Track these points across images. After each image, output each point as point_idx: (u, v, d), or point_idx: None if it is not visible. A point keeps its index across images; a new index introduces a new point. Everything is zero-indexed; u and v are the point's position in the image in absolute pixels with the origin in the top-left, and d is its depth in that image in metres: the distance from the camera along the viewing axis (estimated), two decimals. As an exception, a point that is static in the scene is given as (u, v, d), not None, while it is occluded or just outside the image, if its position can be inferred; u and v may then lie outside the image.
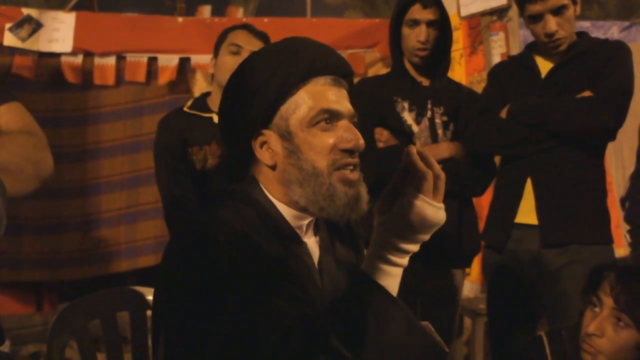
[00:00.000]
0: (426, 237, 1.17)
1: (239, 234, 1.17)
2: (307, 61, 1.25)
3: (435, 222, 1.15)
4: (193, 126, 2.54)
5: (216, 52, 2.62)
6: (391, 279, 1.17)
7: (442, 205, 1.15)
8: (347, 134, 1.25)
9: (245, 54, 2.52)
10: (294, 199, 1.25)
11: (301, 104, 1.24)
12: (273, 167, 1.27)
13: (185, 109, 2.61)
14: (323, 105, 1.24)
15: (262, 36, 2.62)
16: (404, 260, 1.18)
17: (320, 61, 1.26)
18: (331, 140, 1.24)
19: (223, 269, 1.12)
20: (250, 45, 2.56)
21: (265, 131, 1.26)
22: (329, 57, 1.29)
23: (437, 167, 1.16)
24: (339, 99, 1.27)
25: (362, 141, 1.26)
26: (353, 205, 1.24)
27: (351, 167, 1.26)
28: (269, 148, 1.26)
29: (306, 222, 1.30)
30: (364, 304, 1.13)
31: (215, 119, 2.54)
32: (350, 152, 1.25)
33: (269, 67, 1.25)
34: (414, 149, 1.16)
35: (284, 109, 1.25)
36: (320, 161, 1.23)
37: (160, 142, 2.58)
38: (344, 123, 1.26)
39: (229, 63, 2.52)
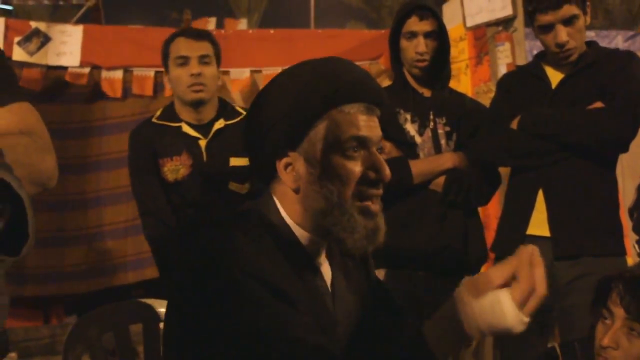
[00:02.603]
0: (497, 334, 1.16)
1: (253, 259, 1.14)
2: (343, 87, 1.22)
3: (512, 330, 1.11)
4: (162, 137, 2.53)
5: (165, 67, 2.60)
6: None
7: (526, 320, 1.11)
8: (374, 164, 1.23)
9: (194, 62, 2.51)
10: (313, 225, 1.24)
11: (331, 129, 1.21)
12: (296, 191, 1.24)
13: (153, 119, 2.60)
14: (353, 133, 1.21)
15: (203, 36, 2.59)
16: (465, 341, 1.17)
17: (357, 89, 1.23)
18: (357, 169, 1.21)
19: (235, 294, 1.11)
20: (195, 51, 2.53)
21: (291, 153, 1.23)
22: (366, 85, 1.25)
23: (541, 283, 1.11)
24: (369, 126, 1.24)
25: (388, 172, 1.23)
26: (371, 237, 1.22)
27: (374, 199, 1.24)
28: (293, 171, 1.23)
29: (320, 246, 1.29)
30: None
31: (184, 127, 2.54)
32: (375, 183, 1.23)
33: (305, 88, 1.22)
34: (532, 249, 1.13)
35: (314, 133, 1.22)
36: (346, 191, 1.21)
37: (132, 156, 2.58)
38: (371, 152, 1.24)
39: (182, 76, 2.51)
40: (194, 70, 2.50)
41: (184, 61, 2.52)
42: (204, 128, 2.59)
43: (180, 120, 2.56)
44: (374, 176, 1.23)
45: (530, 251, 1.13)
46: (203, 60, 2.53)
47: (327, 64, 1.26)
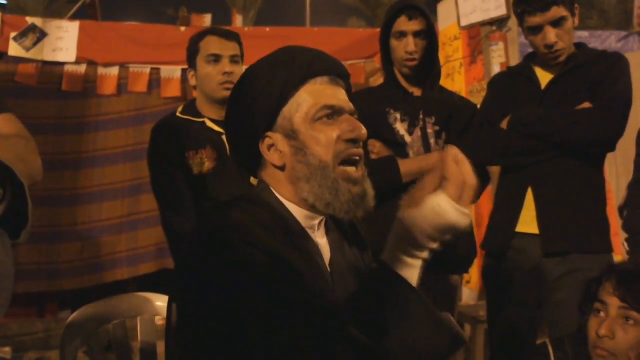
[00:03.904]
0: (448, 237, 1.16)
1: (253, 235, 1.19)
2: (304, 64, 1.31)
3: (457, 225, 1.14)
4: (188, 131, 2.54)
5: (192, 64, 2.61)
6: (411, 270, 1.18)
7: (466, 211, 1.15)
8: (349, 125, 1.30)
9: (226, 61, 2.54)
10: (303, 197, 1.29)
11: (302, 102, 1.30)
12: (282, 168, 1.31)
13: (178, 114, 2.62)
14: (324, 102, 1.30)
15: (233, 36, 2.63)
16: (425, 254, 1.18)
17: (316, 63, 1.32)
18: (335, 134, 1.29)
19: (238, 269, 1.15)
20: (227, 50, 2.56)
21: (270, 134, 1.31)
22: (325, 59, 1.35)
23: (469, 175, 1.16)
24: (338, 96, 1.32)
25: (364, 131, 1.31)
26: (358, 202, 1.29)
27: (356, 160, 1.31)
28: (276, 150, 1.31)
29: (317, 222, 1.34)
30: (385, 294, 1.15)
31: (208, 123, 2.56)
32: (354, 141, 1.30)
33: (269, 73, 1.31)
34: (453, 150, 1.17)
35: (286, 110, 1.30)
36: (326, 154, 1.28)
37: (157, 149, 2.57)
38: (345, 117, 1.32)
39: (212, 74, 2.54)
40: (227, 69, 2.53)
41: (216, 59, 2.55)
42: None
43: (203, 116, 2.58)
44: (350, 136, 1.30)
45: (453, 152, 1.17)
46: (234, 59, 2.57)
47: (285, 50, 1.36)
